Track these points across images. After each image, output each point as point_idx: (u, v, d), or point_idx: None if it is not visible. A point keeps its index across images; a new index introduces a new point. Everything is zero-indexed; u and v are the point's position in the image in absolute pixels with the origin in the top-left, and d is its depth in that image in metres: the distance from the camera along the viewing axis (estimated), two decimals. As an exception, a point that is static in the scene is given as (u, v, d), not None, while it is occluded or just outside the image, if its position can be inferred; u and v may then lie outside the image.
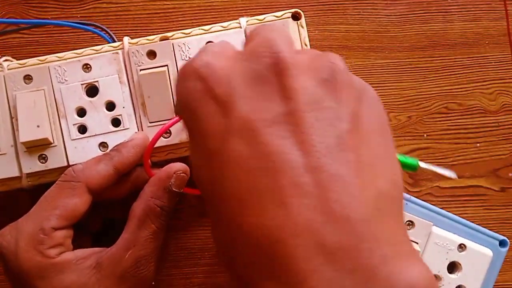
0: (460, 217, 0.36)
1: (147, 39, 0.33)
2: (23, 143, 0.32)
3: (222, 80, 0.20)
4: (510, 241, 0.36)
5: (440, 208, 0.36)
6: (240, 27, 0.33)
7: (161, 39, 0.33)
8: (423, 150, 0.39)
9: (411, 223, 0.33)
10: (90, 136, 0.33)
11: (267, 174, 0.17)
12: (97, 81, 0.33)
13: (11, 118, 0.33)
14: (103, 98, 0.33)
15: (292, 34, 0.33)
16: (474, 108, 0.39)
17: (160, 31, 0.38)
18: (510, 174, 0.39)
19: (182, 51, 0.33)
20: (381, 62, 0.39)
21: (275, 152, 0.18)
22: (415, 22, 0.39)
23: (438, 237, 0.33)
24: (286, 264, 0.16)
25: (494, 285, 0.34)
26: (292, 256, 0.16)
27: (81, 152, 0.33)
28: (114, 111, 0.33)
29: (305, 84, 0.19)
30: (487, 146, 0.39)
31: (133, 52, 0.33)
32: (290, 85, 0.19)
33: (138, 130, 0.33)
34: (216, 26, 0.33)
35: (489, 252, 0.34)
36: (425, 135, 0.39)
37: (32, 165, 0.33)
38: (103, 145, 0.33)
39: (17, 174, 0.33)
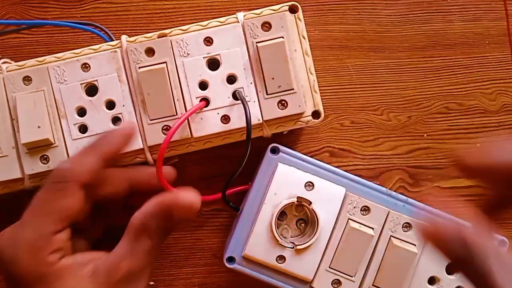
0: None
1: (145, 37, 0.33)
2: (24, 144, 0.32)
3: None
4: (510, 241, 0.36)
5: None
6: (238, 21, 0.33)
7: (159, 36, 0.33)
8: (423, 150, 0.39)
9: (408, 225, 0.33)
10: (91, 136, 0.33)
11: None
12: (96, 80, 0.33)
13: (12, 119, 0.33)
14: (102, 97, 0.33)
15: (290, 27, 0.33)
16: (474, 108, 0.39)
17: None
18: (510, 174, 0.39)
19: (180, 47, 0.33)
20: (381, 62, 0.39)
21: None
22: (415, 22, 0.39)
23: None
24: None
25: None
26: None
27: (81, 151, 0.33)
28: (114, 109, 0.33)
29: None
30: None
31: (131, 50, 0.33)
32: None
33: (139, 127, 0.33)
34: (214, 22, 0.33)
35: None
36: (425, 135, 0.39)
37: (34, 166, 0.33)
38: (103, 144, 0.33)
39: (19, 175, 0.33)
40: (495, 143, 0.29)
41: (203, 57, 0.33)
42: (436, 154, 0.39)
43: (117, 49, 0.33)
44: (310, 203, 0.33)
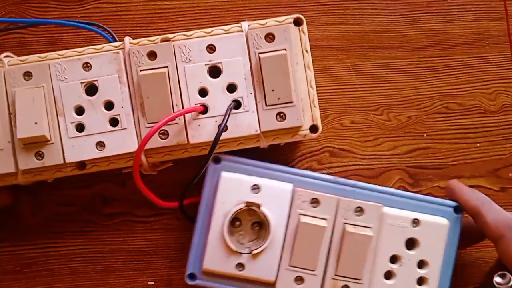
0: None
1: (148, 40, 0.33)
2: (20, 139, 0.32)
3: None
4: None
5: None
6: (242, 30, 0.33)
7: (162, 40, 0.33)
8: (423, 150, 0.39)
9: (360, 209, 0.33)
10: (87, 135, 0.33)
11: None
12: (96, 80, 0.33)
13: (10, 114, 0.33)
14: (102, 97, 0.33)
15: (294, 40, 0.33)
16: (474, 108, 0.39)
17: (160, 31, 0.39)
18: (510, 174, 0.39)
19: (183, 53, 0.33)
20: (381, 62, 0.39)
21: None
22: (415, 22, 0.39)
23: (390, 217, 0.33)
24: None
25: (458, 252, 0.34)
26: None
27: (78, 150, 0.33)
28: (113, 110, 0.33)
29: None
30: (487, 146, 0.39)
31: (133, 53, 0.33)
32: None
33: (136, 130, 0.33)
34: (218, 29, 0.33)
35: (444, 221, 0.33)
36: (425, 135, 0.39)
37: (28, 161, 0.33)
38: (100, 144, 0.33)
39: (13, 170, 0.33)
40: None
41: (205, 64, 0.33)
42: (436, 154, 0.39)
43: (120, 51, 0.33)
44: (259, 205, 0.33)
